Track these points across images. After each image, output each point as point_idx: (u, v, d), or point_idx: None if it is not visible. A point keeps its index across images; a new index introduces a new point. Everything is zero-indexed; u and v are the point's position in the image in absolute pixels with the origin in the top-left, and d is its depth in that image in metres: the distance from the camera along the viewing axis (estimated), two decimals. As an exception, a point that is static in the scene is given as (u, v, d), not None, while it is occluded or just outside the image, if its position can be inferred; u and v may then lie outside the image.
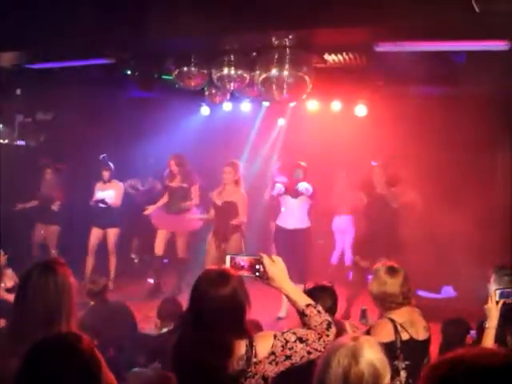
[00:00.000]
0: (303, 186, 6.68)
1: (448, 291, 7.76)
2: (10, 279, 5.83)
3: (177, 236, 8.01)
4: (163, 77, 6.79)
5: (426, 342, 3.42)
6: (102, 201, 7.94)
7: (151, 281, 8.17)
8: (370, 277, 7.11)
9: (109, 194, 8.05)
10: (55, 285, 2.50)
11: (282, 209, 7.11)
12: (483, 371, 1.11)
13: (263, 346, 2.23)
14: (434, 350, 3.83)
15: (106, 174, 8.11)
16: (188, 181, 7.79)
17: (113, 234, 8.18)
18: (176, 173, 7.78)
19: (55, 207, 8.53)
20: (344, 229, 8.61)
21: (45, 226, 8.53)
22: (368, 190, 6.66)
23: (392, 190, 6.51)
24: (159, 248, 7.95)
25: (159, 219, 7.99)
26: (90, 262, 8.04)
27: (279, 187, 6.95)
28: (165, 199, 7.98)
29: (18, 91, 7.91)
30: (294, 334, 2.26)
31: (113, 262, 8.18)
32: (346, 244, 8.61)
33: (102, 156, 8.26)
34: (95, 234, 8.14)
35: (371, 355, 1.87)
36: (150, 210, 7.90)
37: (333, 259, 8.77)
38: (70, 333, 2.08)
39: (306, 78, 4.97)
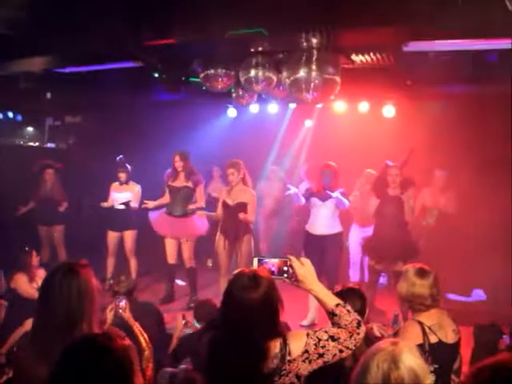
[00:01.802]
0: (335, 194, 6.49)
1: (478, 294, 7.65)
2: (42, 279, 5.93)
3: (182, 243, 7.54)
4: (190, 79, 6.84)
5: (456, 345, 3.37)
6: (127, 204, 7.83)
7: (182, 283, 8.13)
8: (382, 280, 7.10)
9: (126, 196, 7.88)
10: (78, 288, 2.51)
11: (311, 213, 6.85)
12: None
13: (297, 344, 2.28)
14: (465, 353, 3.78)
15: (122, 176, 7.92)
16: (192, 180, 7.40)
17: (130, 236, 7.98)
18: (180, 170, 7.38)
19: (62, 209, 8.53)
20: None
21: (48, 227, 8.53)
22: (381, 191, 6.51)
23: (406, 192, 6.38)
24: (171, 257, 7.56)
25: (161, 224, 7.54)
26: (110, 262, 7.98)
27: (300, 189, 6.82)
28: (166, 199, 7.55)
29: (48, 95, 8.03)
30: (326, 332, 2.31)
31: (133, 264, 8.00)
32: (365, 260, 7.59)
33: (118, 157, 8.09)
34: (111, 237, 7.98)
35: (411, 360, 1.85)
36: (150, 204, 7.45)
37: (353, 276, 8.01)
38: (104, 333, 2.10)
39: (334, 78, 4.94)
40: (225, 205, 6.96)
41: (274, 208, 9.14)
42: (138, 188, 8.04)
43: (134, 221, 8.03)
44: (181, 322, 4.74)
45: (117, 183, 8.01)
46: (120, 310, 3.64)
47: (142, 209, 7.75)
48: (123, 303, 3.68)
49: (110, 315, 3.61)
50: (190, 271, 7.61)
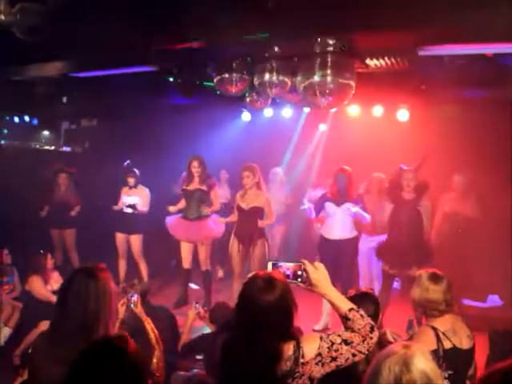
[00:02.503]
0: (355, 209, 6.49)
1: (494, 300, 7.58)
2: (57, 282, 6.00)
3: (198, 246, 7.56)
4: (205, 83, 6.86)
5: (470, 351, 3.35)
6: (133, 206, 7.87)
7: (195, 286, 8.15)
8: (396, 284, 6.99)
9: (134, 199, 7.94)
10: (96, 292, 2.54)
11: (323, 217, 6.83)
12: None
13: (310, 347, 2.29)
14: (480, 359, 3.74)
15: (131, 181, 8.00)
16: (207, 183, 7.44)
17: (136, 240, 8.05)
18: (197, 175, 7.41)
19: (73, 213, 8.62)
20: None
21: (60, 231, 8.62)
22: (395, 195, 6.48)
23: (421, 197, 6.36)
24: (186, 261, 7.61)
25: (176, 228, 7.58)
26: (122, 265, 8.07)
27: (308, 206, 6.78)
28: (183, 204, 7.58)
29: (64, 99, 8.10)
30: (339, 336, 2.32)
31: (143, 267, 8.05)
32: (374, 270, 7.27)
33: (126, 162, 8.19)
34: (119, 239, 8.06)
35: (423, 364, 1.84)
36: (173, 209, 7.54)
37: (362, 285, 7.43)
38: (119, 336, 2.12)
39: (349, 83, 4.93)
40: (239, 209, 6.99)
41: (279, 212, 8.45)
42: (146, 191, 8.09)
43: (141, 224, 8.10)
44: (193, 313, 4.75)
45: (126, 187, 8.08)
46: (131, 305, 3.65)
47: (151, 212, 7.86)
48: (135, 297, 3.69)
49: (121, 310, 3.63)
50: (205, 274, 7.63)
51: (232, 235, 7.11)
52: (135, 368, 1.79)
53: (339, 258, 6.50)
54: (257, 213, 6.90)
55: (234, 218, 7.16)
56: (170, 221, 7.65)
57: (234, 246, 7.03)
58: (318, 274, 2.40)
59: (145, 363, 1.85)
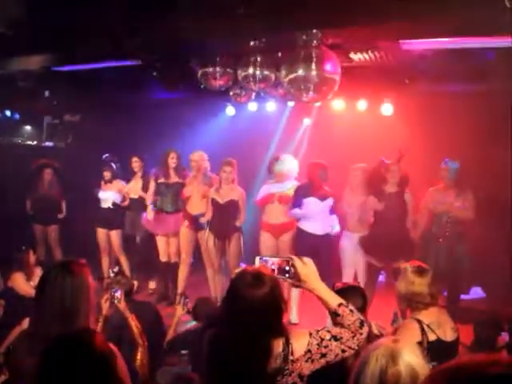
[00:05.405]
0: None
1: (477, 292, 7.65)
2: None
3: (170, 237, 7.59)
4: (189, 78, 6.81)
5: (455, 343, 3.38)
6: (116, 204, 7.91)
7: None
8: (381, 277, 7.01)
9: (109, 195, 7.96)
10: (71, 287, 2.51)
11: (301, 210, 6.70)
12: (481, 380, 1.10)
13: (300, 344, 2.26)
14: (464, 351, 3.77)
15: (106, 175, 8.00)
16: (182, 175, 7.49)
17: (116, 235, 8.07)
18: (174, 166, 7.43)
19: (61, 216, 8.64)
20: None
21: (44, 226, 8.61)
22: (377, 188, 6.50)
23: (405, 191, 6.41)
24: (164, 254, 7.62)
25: (153, 222, 7.54)
26: (105, 261, 8.09)
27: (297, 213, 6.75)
28: (156, 198, 7.59)
29: (47, 93, 8.01)
30: (329, 332, 2.29)
31: (123, 262, 8.03)
32: (359, 266, 6.82)
33: (104, 156, 8.18)
34: (100, 235, 8.07)
35: (410, 358, 1.85)
36: (150, 209, 7.56)
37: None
38: (85, 330, 2.08)
39: (333, 77, 4.93)
40: (214, 203, 6.95)
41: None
42: (124, 185, 8.10)
43: (120, 220, 8.11)
44: (181, 308, 4.72)
45: (102, 182, 8.08)
46: (115, 301, 3.62)
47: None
48: (118, 293, 3.65)
49: (105, 306, 3.60)
50: (174, 265, 7.60)
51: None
52: (98, 364, 1.72)
53: (318, 253, 6.46)
54: (232, 206, 6.89)
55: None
56: (146, 215, 7.64)
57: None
58: (307, 269, 2.37)
59: (114, 358, 1.79)
